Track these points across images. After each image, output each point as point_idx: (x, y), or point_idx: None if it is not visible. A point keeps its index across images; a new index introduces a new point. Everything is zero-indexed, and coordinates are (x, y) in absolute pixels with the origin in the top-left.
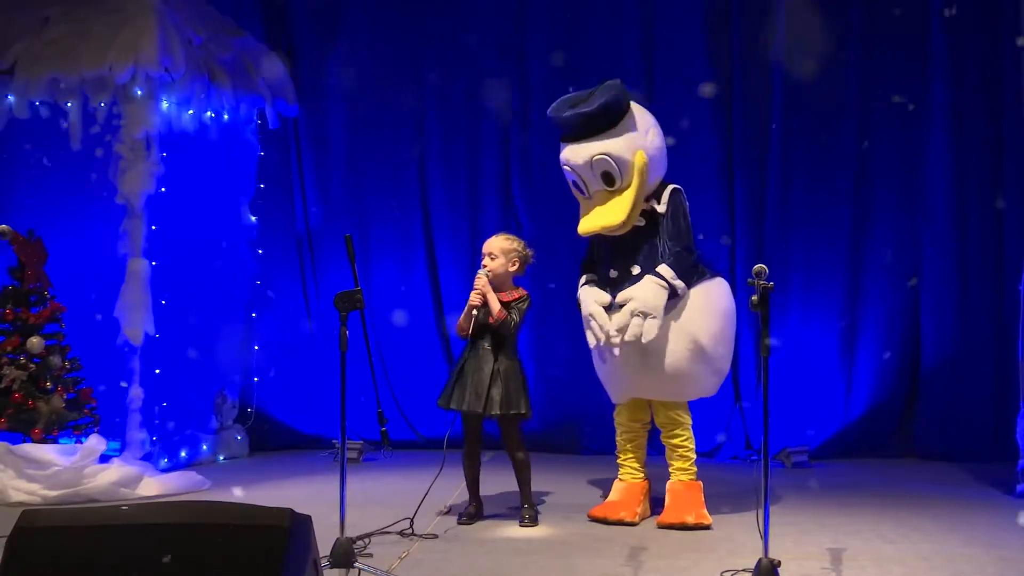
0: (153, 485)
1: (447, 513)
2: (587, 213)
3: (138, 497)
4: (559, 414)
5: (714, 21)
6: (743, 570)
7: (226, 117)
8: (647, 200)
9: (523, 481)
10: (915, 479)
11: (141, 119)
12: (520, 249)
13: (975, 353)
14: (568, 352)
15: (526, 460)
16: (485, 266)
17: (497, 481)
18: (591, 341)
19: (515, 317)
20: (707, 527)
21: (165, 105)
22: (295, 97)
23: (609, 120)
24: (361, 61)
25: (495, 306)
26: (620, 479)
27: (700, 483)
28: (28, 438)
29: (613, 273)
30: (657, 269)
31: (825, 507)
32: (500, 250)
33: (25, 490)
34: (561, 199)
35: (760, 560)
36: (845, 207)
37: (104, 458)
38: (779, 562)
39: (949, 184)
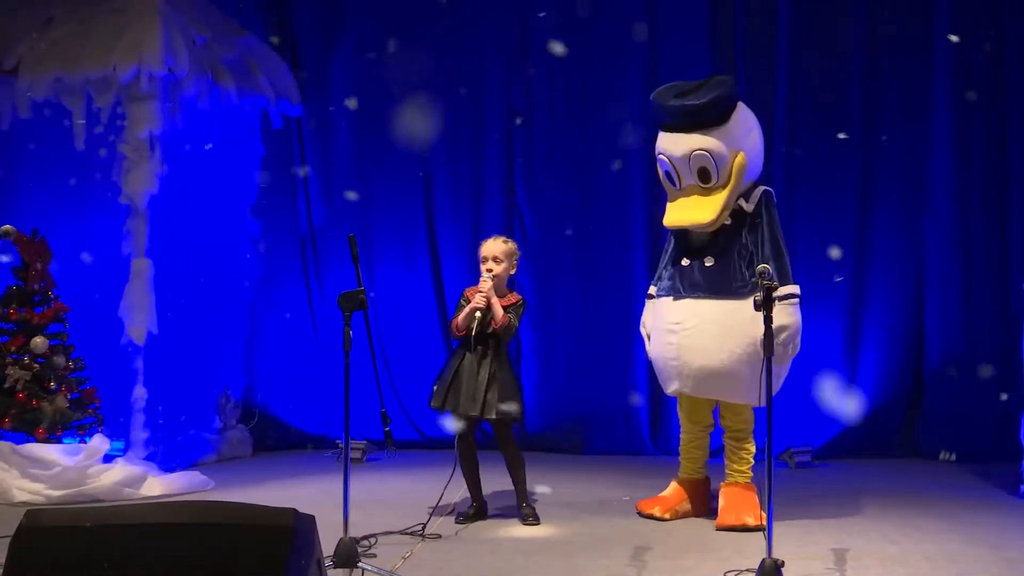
0: (157, 485)
1: (450, 513)
2: (672, 203)
3: (142, 497)
4: (563, 415)
5: (719, 17)
6: (747, 570)
7: (230, 117)
8: (736, 199)
9: (519, 480)
10: (919, 479)
11: (145, 119)
12: (517, 251)
13: (979, 353)
14: (572, 353)
15: (520, 459)
16: (490, 270)
17: (497, 481)
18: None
19: (515, 321)
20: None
21: (169, 105)
22: (299, 97)
23: (716, 116)
24: (364, 61)
25: (499, 312)
26: (677, 476)
27: (755, 485)
28: (32, 438)
29: (685, 261)
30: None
31: (828, 507)
32: (503, 253)
33: (29, 490)
34: (564, 198)
35: (764, 560)
36: (849, 206)
37: (108, 458)
38: (783, 562)
39: (954, 184)
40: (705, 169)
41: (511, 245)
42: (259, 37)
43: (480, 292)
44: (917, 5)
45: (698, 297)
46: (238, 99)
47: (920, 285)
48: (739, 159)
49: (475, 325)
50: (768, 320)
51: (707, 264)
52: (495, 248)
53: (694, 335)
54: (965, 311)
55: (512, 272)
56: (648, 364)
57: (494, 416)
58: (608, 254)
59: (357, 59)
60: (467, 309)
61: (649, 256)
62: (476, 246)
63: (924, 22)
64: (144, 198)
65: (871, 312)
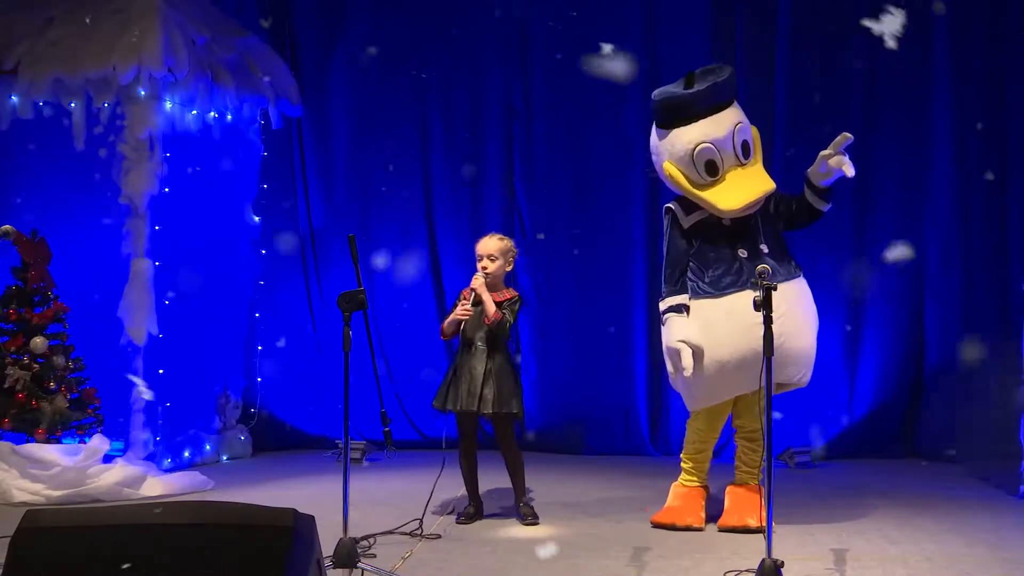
0: (157, 485)
1: (450, 513)
2: (716, 192)
3: (142, 497)
4: (562, 415)
5: (719, 17)
6: (746, 570)
7: (229, 117)
8: None
9: (518, 478)
10: (918, 480)
11: (144, 119)
12: (513, 247)
13: (979, 353)
14: (572, 353)
15: (520, 458)
16: (485, 268)
17: (495, 481)
18: (670, 370)
19: (509, 317)
20: None
21: (168, 105)
22: (298, 97)
23: (734, 92)
24: (364, 61)
25: (491, 308)
26: (682, 484)
27: (762, 487)
28: (32, 438)
29: (743, 252)
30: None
31: (828, 508)
32: (498, 251)
33: (29, 490)
34: (564, 198)
35: (763, 560)
36: (849, 206)
37: (108, 458)
38: (782, 562)
39: (953, 184)
40: (746, 142)
41: (506, 242)
42: (259, 37)
43: (469, 294)
44: (916, 5)
45: (783, 280)
46: (238, 99)
47: (920, 285)
48: (755, 130)
49: (457, 327)
50: (768, 320)
51: (764, 251)
52: (489, 246)
53: (789, 319)
54: (965, 311)
55: (508, 269)
56: (649, 365)
57: (490, 411)
58: (608, 254)
59: (357, 59)
60: (450, 318)
61: (649, 255)
62: (476, 244)
63: (924, 22)
64: (144, 198)
65: (871, 312)
